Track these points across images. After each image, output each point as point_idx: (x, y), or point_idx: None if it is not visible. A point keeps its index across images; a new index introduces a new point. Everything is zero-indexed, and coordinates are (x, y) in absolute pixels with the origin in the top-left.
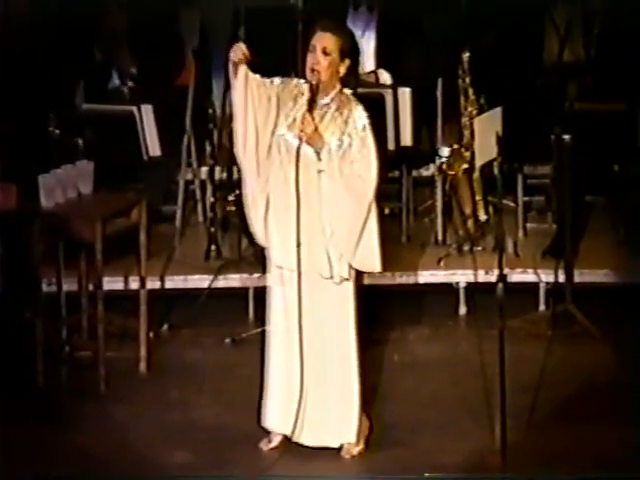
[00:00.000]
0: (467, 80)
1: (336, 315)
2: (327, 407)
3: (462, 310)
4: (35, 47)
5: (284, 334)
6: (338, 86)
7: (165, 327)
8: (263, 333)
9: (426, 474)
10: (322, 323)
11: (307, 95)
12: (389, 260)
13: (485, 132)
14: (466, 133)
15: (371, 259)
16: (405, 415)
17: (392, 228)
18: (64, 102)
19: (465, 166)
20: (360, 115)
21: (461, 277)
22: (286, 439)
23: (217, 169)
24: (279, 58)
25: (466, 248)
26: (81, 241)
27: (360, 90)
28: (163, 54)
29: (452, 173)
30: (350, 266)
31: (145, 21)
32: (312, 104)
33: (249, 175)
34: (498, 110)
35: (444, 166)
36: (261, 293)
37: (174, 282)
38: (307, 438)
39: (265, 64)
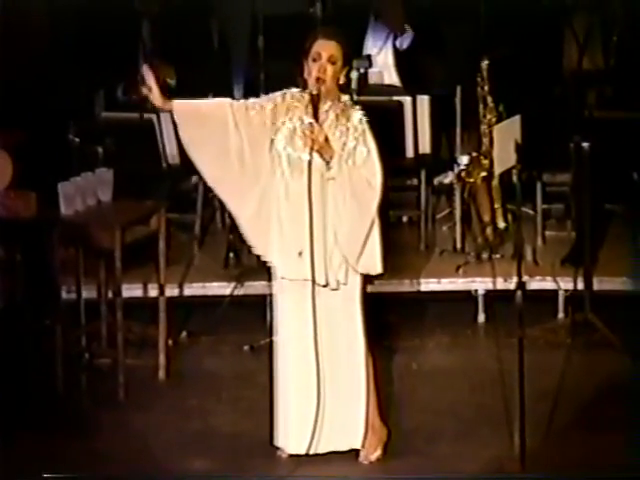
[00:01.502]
0: (486, 88)
1: (342, 323)
2: (334, 413)
3: (481, 318)
4: (56, 55)
5: (291, 345)
6: (337, 93)
7: (184, 335)
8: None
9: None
10: (329, 331)
11: (310, 105)
12: (409, 267)
13: (504, 140)
14: (485, 141)
15: (372, 261)
16: (423, 423)
17: (411, 236)
18: (84, 110)
19: (484, 174)
20: (358, 118)
21: (480, 285)
22: None
23: None
24: (297, 66)
25: (485, 256)
26: (100, 249)
27: (379, 98)
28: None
29: (471, 181)
30: (353, 272)
31: (177, 28)
32: (317, 113)
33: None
34: (517, 118)
35: (463, 174)
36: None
37: (193, 289)
38: (318, 447)
39: (283, 72)
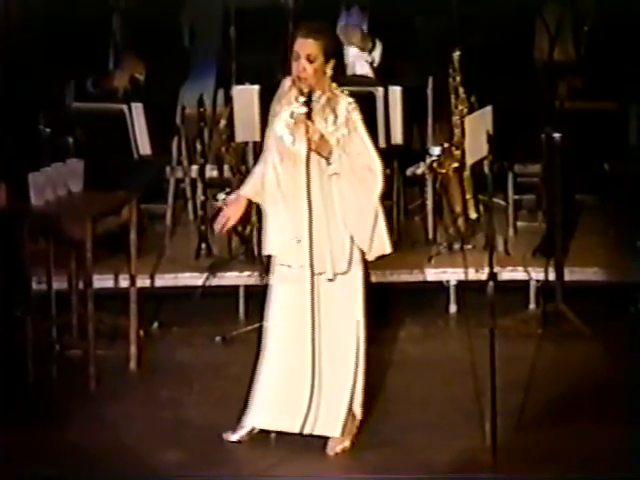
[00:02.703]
0: (457, 79)
1: (342, 312)
2: (324, 399)
3: (452, 308)
4: (26, 46)
5: (284, 331)
6: (327, 84)
7: (155, 325)
8: (257, 330)
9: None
10: (327, 320)
11: (303, 101)
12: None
13: (475, 131)
14: (457, 132)
15: (381, 243)
16: (395, 413)
17: None
18: (54, 100)
19: (456, 165)
20: (345, 107)
21: (451, 275)
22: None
23: (207, 167)
24: (269, 57)
25: (456, 246)
26: (71, 239)
27: (351, 88)
28: (166, 56)
29: (443, 171)
30: (355, 262)
31: (147, 23)
32: (309, 109)
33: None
34: (488, 109)
35: (435, 164)
36: (251, 291)
37: (164, 280)
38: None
39: (256, 64)
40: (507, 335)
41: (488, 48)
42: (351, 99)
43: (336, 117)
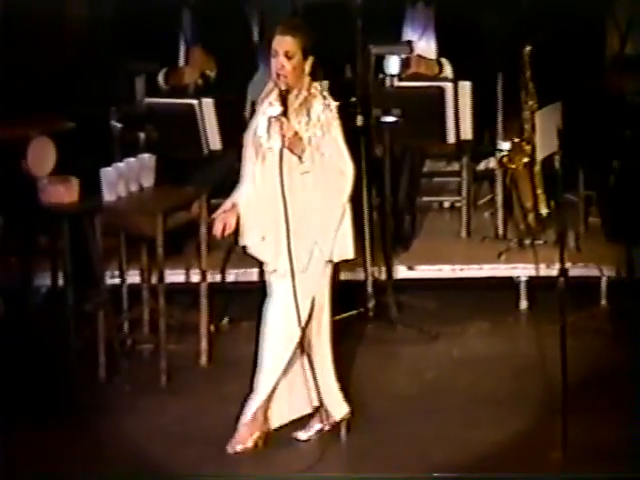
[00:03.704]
0: (528, 74)
1: (313, 308)
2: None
3: (523, 305)
4: (97, 41)
5: (271, 329)
6: (305, 82)
7: (226, 320)
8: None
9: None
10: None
11: (279, 100)
12: (450, 254)
13: (546, 126)
14: (527, 127)
15: (345, 247)
16: (464, 410)
17: (452, 222)
18: (126, 96)
19: (526, 160)
20: (321, 108)
21: (522, 271)
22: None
23: None
24: (337, 53)
25: (527, 242)
26: (142, 235)
27: (421, 83)
28: (235, 51)
29: (513, 167)
30: (319, 261)
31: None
32: (286, 108)
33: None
34: (558, 104)
35: (505, 160)
36: None
37: (234, 275)
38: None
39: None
40: (578, 331)
41: (558, 43)
42: (328, 100)
43: (310, 117)
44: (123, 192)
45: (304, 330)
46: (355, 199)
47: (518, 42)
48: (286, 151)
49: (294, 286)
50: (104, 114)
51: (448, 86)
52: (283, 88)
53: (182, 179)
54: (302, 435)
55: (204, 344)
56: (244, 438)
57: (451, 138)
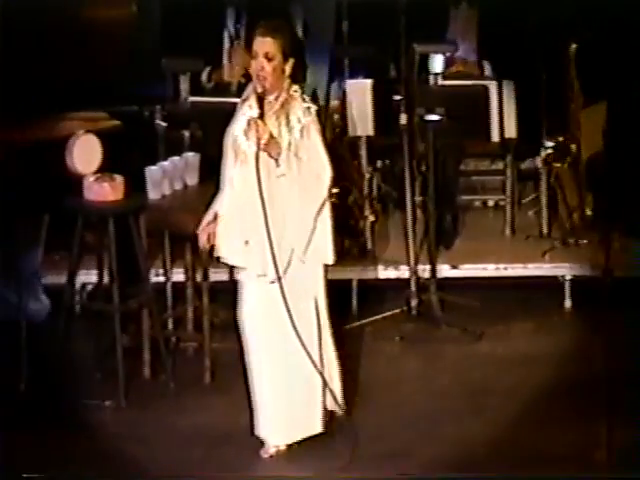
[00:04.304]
0: (573, 73)
1: (298, 311)
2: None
3: (567, 304)
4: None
5: (252, 335)
6: (285, 84)
7: None
8: (371, 324)
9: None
10: (282, 320)
11: (256, 103)
12: (494, 252)
13: (591, 125)
14: (572, 126)
15: (325, 251)
16: (508, 409)
17: (496, 221)
18: (170, 95)
19: (571, 159)
20: (301, 111)
21: (567, 270)
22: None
23: None
24: (382, 51)
25: (571, 241)
26: (186, 233)
27: (465, 82)
28: None
29: (557, 165)
30: (301, 264)
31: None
32: (262, 110)
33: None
34: (603, 103)
35: (549, 158)
36: (364, 285)
37: None
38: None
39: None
40: (622, 331)
41: (604, 42)
42: (308, 103)
43: (289, 121)
44: (168, 190)
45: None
46: (400, 198)
47: (563, 41)
48: (263, 154)
49: (282, 288)
50: (149, 113)
51: (492, 85)
52: (259, 91)
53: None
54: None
55: None
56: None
57: (495, 136)
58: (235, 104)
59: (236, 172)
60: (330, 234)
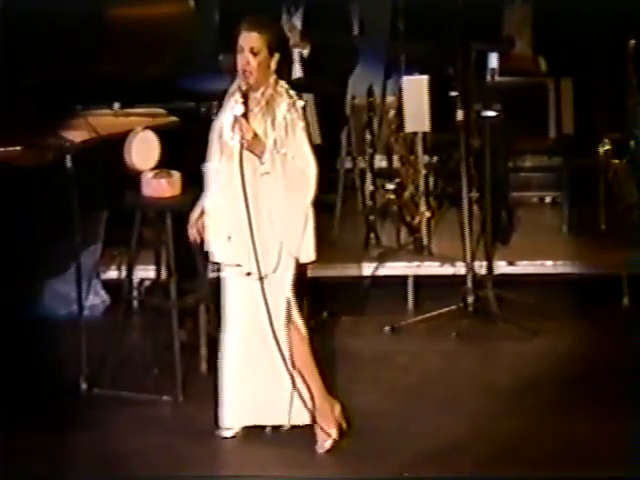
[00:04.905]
0: (631, 68)
1: (273, 310)
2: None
3: (625, 301)
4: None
5: (237, 328)
6: (271, 80)
7: (325, 315)
8: (426, 321)
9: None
10: (259, 317)
11: (241, 99)
12: (552, 249)
13: None
14: (630, 121)
15: (307, 249)
16: (563, 407)
17: (553, 217)
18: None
19: (628, 155)
20: (286, 108)
21: (624, 267)
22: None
23: (377, 157)
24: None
25: (629, 238)
26: None
27: (522, 78)
28: (336, 45)
29: (616, 162)
30: (285, 261)
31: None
32: (247, 108)
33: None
34: None
35: (607, 154)
36: (420, 282)
37: (333, 270)
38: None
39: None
40: None
41: None
42: (293, 99)
43: (275, 117)
44: None
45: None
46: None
47: (621, 36)
48: (247, 152)
49: (262, 287)
50: (207, 109)
51: (550, 81)
52: (244, 88)
53: None
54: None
55: None
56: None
57: (552, 133)
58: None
59: (222, 167)
60: (312, 231)
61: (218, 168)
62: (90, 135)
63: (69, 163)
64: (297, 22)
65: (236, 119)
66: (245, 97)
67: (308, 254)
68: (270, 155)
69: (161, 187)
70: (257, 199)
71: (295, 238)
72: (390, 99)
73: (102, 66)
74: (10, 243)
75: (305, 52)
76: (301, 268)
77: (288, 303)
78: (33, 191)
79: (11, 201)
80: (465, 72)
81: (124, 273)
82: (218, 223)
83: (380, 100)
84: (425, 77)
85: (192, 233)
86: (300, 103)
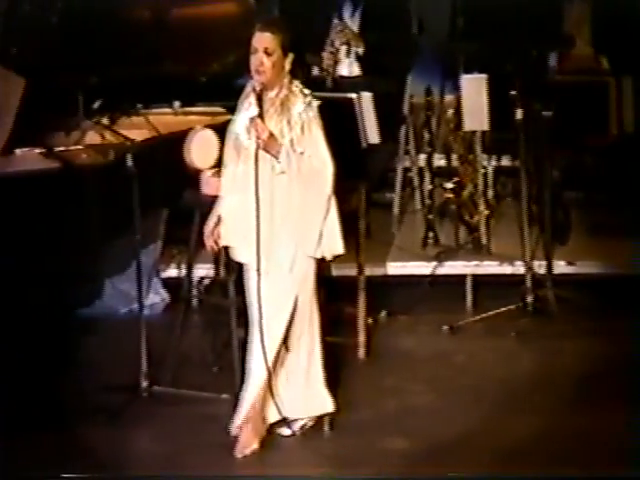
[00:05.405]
0: None
1: (287, 307)
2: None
3: None
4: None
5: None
6: (285, 80)
7: (383, 314)
8: (484, 321)
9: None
10: (276, 315)
11: (255, 100)
12: (611, 249)
13: None
14: None
15: (334, 242)
16: (621, 406)
17: (611, 217)
18: None
19: None
20: (302, 107)
21: None
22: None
23: (435, 156)
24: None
25: None
26: None
27: (583, 77)
28: (395, 44)
29: None
30: (301, 260)
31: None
32: (261, 109)
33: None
34: None
35: None
36: (479, 281)
37: (392, 269)
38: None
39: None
40: None
41: None
42: (308, 98)
43: (290, 117)
44: None
45: (288, 328)
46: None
47: None
48: (262, 152)
49: (259, 284)
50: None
51: (610, 79)
52: (258, 88)
53: (340, 172)
54: (285, 431)
55: (362, 337)
56: (249, 440)
57: (613, 131)
58: (351, 99)
59: (240, 169)
60: (337, 225)
61: (235, 172)
62: (151, 134)
63: (130, 162)
64: (354, 21)
65: (251, 120)
66: (259, 98)
67: (332, 248)
68: (286, 155)
69: (219, 185)
70: (273, 199)
71: (312, 238)
72: (449, 98)
73: (163, 65)
74: (72, 241)
75: (360, 51)
76: (322, 264)
77: (309, 303)
78: (95, 190)
79: (73, 200)
80: (525, 71)
81: (184, 271)
82: (235, 227)
83: (439, 99)
84: (484, 76)
85: (209, 243)
86: (315, 102)
